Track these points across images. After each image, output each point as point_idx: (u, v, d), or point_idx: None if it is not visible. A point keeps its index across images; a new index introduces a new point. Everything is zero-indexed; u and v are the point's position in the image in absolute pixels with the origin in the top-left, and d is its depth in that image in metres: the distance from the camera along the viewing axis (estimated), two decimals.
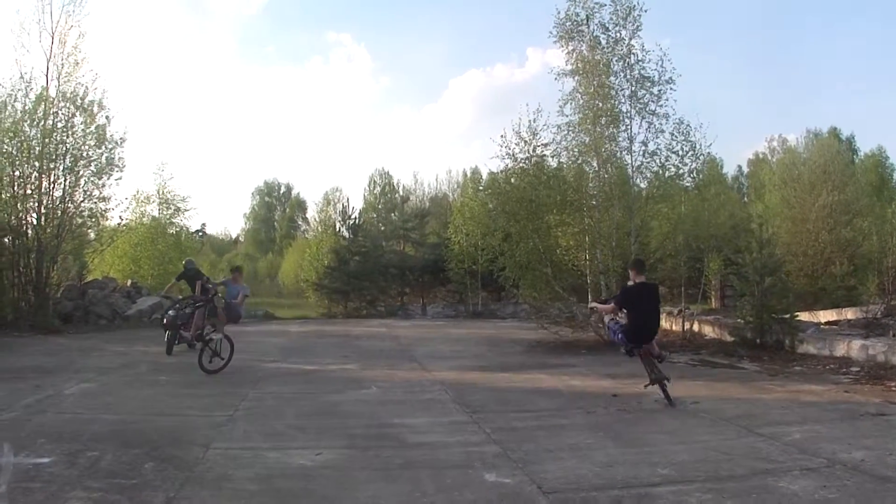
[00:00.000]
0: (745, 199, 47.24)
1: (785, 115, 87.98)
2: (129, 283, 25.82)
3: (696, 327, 17.07)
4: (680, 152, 16.31)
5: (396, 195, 58.90)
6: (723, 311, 22.99)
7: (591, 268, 16.89)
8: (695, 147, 16.31)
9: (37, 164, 19.47)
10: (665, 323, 18.39)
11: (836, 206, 28.63)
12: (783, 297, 14.27)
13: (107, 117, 20.63)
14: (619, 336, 8.90)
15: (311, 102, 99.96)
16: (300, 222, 73.15)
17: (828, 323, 18.14)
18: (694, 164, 16.60)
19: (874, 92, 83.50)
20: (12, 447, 5.89)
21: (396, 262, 34.23)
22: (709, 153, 17.37)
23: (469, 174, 58.97)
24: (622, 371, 11.56)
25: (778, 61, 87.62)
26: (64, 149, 19.91)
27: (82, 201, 20.45)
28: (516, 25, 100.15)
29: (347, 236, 35.40)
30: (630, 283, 9.06)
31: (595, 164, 16.81)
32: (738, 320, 14.83)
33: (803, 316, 16.32)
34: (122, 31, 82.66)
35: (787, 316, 13.72)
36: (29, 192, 19.59)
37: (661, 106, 16.32)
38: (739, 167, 61.51)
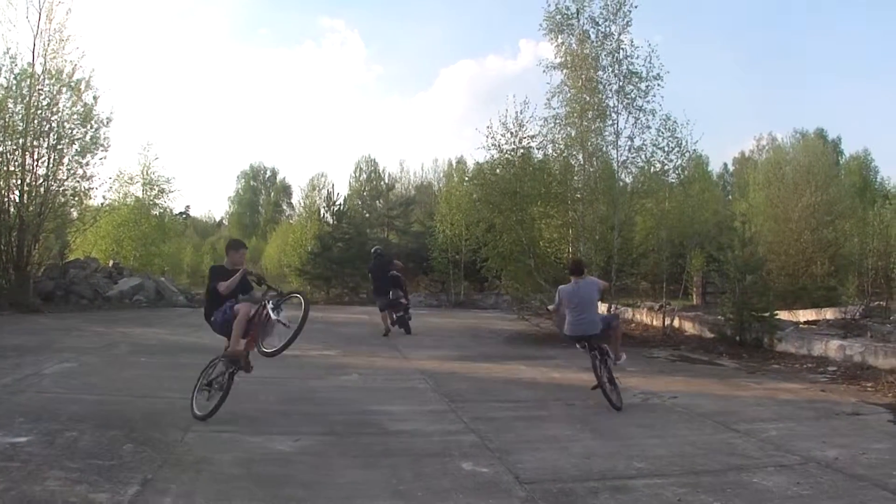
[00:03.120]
0: (730, 197, 47.51)
1: (773, 115, 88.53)
2: (110, 263, 25.65)
3: (676, 323, 17.14)
4: (666, 148, 16.30)
5: (382, 182, 58.33)
6: (703, 308, 23.09)
7: None
8: (681, 144, 16.32)
9: (21, 140, 19.24)
10: (646, 318, 18.54)
11: (819, 207, 28.84)
12: (763, 295, 14.33)
13: (94, 96, 20.51)
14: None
15: (302, 87, 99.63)
16: (285, 207, 72.70)
17: (807, 322, 18.27)
18: (679, 161, 16.59)
19: (864, 92, 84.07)
20: None
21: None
22: (695, 150, 17.46)
23: (455, 164, 58.91)
24: None
25: (768, 60, 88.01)
26: (48, 126, 19.71)
27: (66, 180, 20.27)
28: (510, 17, 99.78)
29: (332, 222, 35.28)
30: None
31: (581, 157, 16.78)
32: (719, 317, 14.92)
33: (783, 315, 16.44)
34: (112, 9, 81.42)
35: (767, 314, 13.77)
36: (11, 168, 19.35)
37: (648, 102, 16.28)
38: (725, 165, 62.06)
